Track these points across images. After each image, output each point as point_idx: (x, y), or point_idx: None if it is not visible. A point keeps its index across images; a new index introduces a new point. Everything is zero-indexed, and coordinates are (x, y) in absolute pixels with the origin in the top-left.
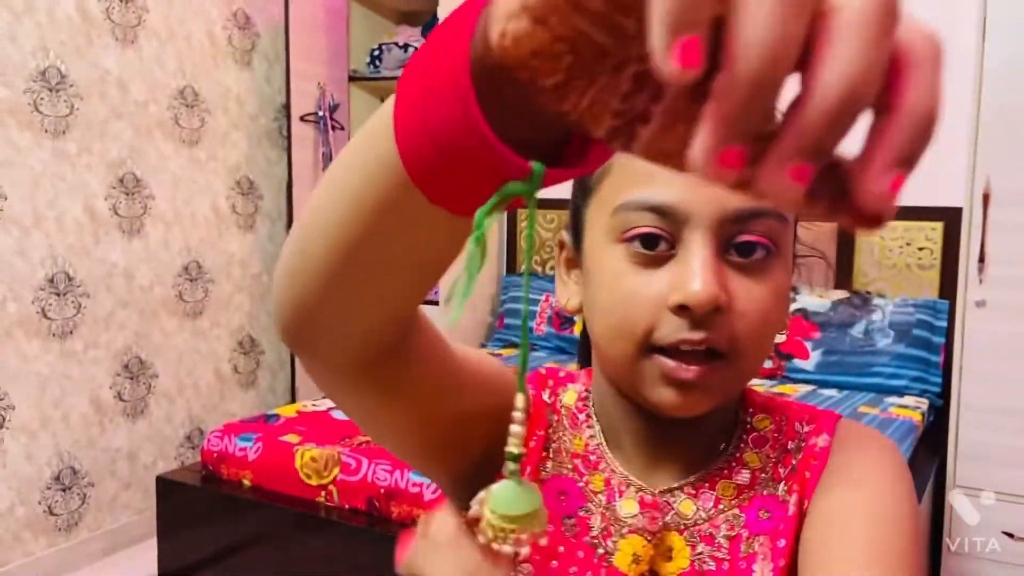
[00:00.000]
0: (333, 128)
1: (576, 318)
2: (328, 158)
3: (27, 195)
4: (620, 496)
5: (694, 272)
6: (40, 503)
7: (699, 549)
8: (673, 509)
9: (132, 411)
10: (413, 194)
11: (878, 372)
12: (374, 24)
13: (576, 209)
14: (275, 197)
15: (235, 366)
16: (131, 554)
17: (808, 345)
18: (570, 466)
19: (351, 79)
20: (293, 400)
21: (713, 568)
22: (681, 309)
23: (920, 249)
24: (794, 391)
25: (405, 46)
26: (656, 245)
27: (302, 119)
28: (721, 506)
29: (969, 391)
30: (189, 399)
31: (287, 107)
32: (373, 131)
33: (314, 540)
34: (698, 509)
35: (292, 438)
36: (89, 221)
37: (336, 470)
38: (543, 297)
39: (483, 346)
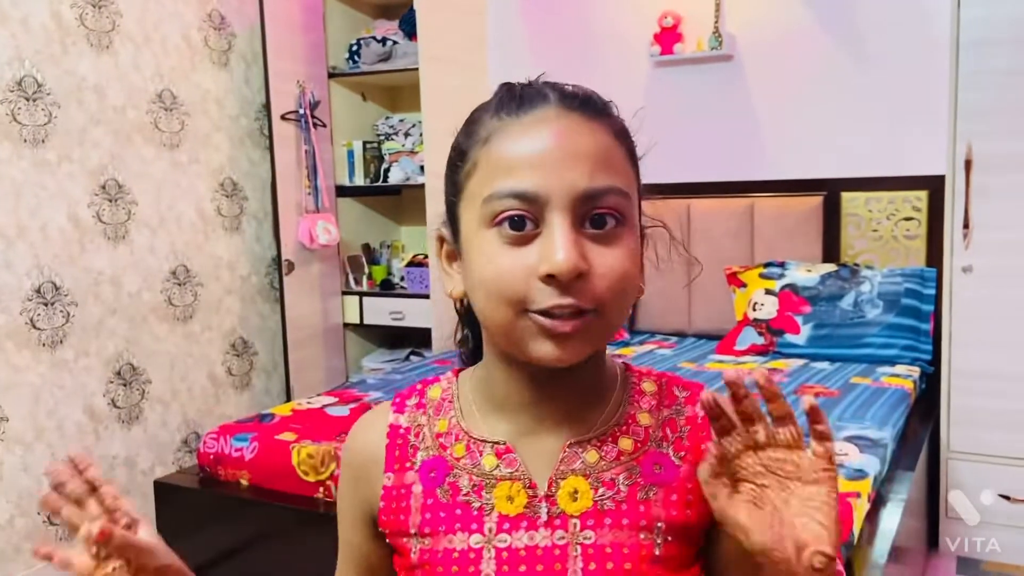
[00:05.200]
0: (315, 125)
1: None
2: (311, 155)
3: (9, 206)
4: (481, 455)
5: (557, 246)
6: (39, 514)
7: (601, 491)
8: (580, 458)
9: (127, 418)
10: None
11: (869, 343)
12: (351, 19)
13: (450, 205)
14: (260, 197)
15: (229, 368)
16: None
17: (798, 320)
18: (435, 445)
19: (331, 75)
20: (288, 400)
21: (612, 508)
22: (549, 278)
23: (906, 219)
24: (786, 366)
25: (383, 40)
26: (523, 226)
27: (283, 118)
28: (623, 458)
29: (959, 357)
30: (184, 403)
31: (267, 106)
32: None
33: (315, 536)
34: (601, 458)
35: (288, 436)
36: (73, 229)
37: (333, 466)
38: None
39: None
